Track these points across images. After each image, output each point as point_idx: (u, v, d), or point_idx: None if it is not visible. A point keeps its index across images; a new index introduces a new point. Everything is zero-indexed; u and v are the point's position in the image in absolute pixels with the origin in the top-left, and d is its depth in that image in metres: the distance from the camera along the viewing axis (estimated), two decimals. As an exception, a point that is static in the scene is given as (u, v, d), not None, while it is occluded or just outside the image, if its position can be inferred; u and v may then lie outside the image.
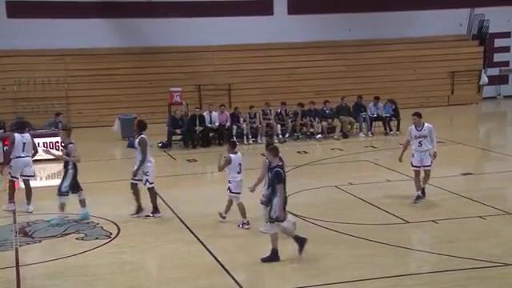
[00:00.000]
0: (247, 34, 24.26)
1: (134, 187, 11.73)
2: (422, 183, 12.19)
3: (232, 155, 11.17)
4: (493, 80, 26.97)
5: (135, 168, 11.59)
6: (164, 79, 23.11)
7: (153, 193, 11.73)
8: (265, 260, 9.33)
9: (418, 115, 12.16)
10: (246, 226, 10.97)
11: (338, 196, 13.02)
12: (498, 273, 8.84)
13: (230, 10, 24.35)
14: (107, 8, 23.68)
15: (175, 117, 19.33)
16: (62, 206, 11.36)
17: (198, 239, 10.44)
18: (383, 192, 13.13)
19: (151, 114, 22.75)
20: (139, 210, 11.81)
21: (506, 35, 27.13)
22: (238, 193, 11.09)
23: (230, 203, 11.29)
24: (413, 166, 12.22)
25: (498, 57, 27.41)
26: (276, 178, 9.29)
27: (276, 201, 9.28)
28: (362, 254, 9.63)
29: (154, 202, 11.75)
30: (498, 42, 27.25)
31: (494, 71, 27.30)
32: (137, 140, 11.59)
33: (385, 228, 10.86)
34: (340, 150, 18.32)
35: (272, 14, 25.21)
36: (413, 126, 12.19)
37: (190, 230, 10.92)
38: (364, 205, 12.34)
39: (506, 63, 27.70)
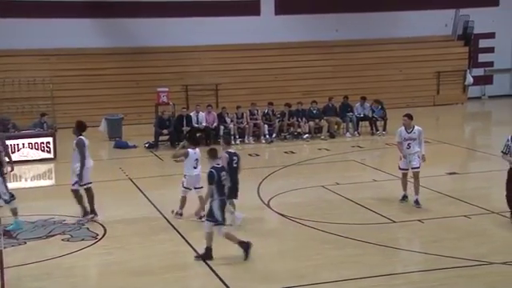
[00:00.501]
0: (234, 34, 24.25)
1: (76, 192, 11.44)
2: (414, 192, 11.94)
3: (190, 150, 11.46)
4: (478, 80, 27.19)
5: (77, 172, 11.28)
6: (151, 79, 23.04)
7: (90, 194, 11.49)
8: (198, 257, 9.45)
9: (409, 117, 11.98)
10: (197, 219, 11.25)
11: (326, 196, 13.08)
12: (483, 271, 8.95)
13: (217, 10, 24.33)
14: (94, 8, 23.57)
15: (162, 117, 19.29)
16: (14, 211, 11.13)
17: (186, 240, 10.43)
18: (370, 192, 13.23)
19: (138, 114, 22.74)
20: (85, 212, 11.55)
21: (490, 36, 27.33)
22: (189, 188, 11.48)
23: (184, 199, 11.56)
24: (400, 168, 12.09)
25: (482, 57, 27.62)
26: (208, 179, 9.41)
27: (212, 202, 9.35)
28: (350, 253, 9.71)
29: (91, 203, 11.50)
30: (483, 43, 27.46)
31: (479, 71, 27.51)
32: (75, 141, 11.35)
33: (372, 228, 10.94)
34: (327, 150, 18.38)
35: (259, 14, 25.22)
36: (402, 128, 11.99)
37: (177, 231, 10.92)
38: (351, 205, 12.41)
39: (491, 63, 27.90)
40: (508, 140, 10.52)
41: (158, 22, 23.90)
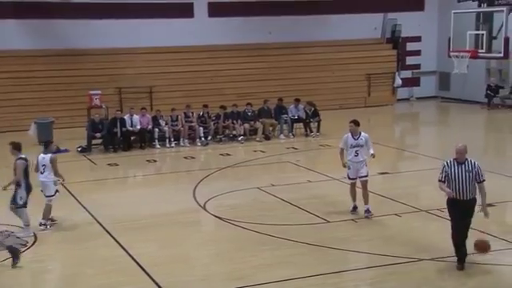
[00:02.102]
0: (168, 36, 24.07)
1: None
2: (364, 201, 11.55)
3: (42, 155, 11.50)
4: (406, 82, 27.99)
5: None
6: (83, 82, 22.52)
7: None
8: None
9: (356, 123, 11.54)
10: (49, 227, 11.27)
11: (261, 197, 13.18)
12: (414, 268, 9.24)
13: (150, 12, 24.04)
14: (22, 8, 22.85)
15: (95, 120, 18.97)
16: None
17: (120, 244, 10.36)
18: (305, 192, 13.40)
19: (70, 117, 22.23)
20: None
21: (417, 39, 28.16)
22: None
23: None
24: (349, 178, 11.65)
25: (410, 60, 28.40)
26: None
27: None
28: (286, 254, 9.83)
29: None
30: (410, 46, 28.24)
31: (407, 74, 28.32)
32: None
33: (307, 228, 11.11)
34: (262, 151, 18.51)
35: (192, 16, 25.12)
36: (349, 135, 11.54)
37: (111, 235, 10.83)
38: (286, 206, 12.55)
39: (418, 66, 28.78)
40: (445, 166, 9.09)
41: (90, 23, 23.44)
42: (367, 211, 11.47)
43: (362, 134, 11.51)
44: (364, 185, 11.50)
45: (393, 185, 12.26)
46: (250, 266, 9.38)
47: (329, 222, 11.41)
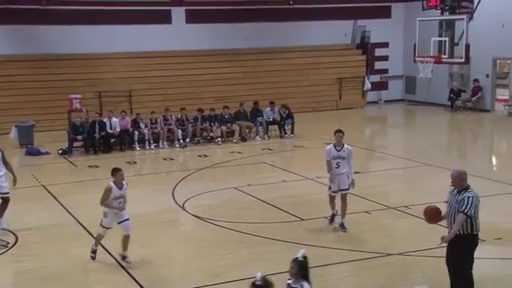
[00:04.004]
0: (147, 41, 24.30)
1: None
2: (341, 215, 11.08)
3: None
4: (375, 86, 28.57)
5: None
6: (64, 86, 22.64)
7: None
8: None
9: (343, 133, 10.92)
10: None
11: (238, 197, 13.35)
12: (383, 262, 9.55)
13: (129, 18, 24.28)
14: (3, 14, 22.95)
15: (75, 123, 19.16)
16: None
17: (101, 244, 10.33)
18: (280, 192, 13.62)
19: (51, 120, 22.35)
20: None
21: (384, 45, 28.81)
22: None
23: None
24: (331, 189, 11.07)
25: (378, 65, 29.03)
26: None
27: None
28: (262, 251, 10.03)
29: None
30: (378, 52, 28.89)
31: (376, 78, 28.89)
32: None
33: (282, 226, 11.30)
34: (239, 153, 18.72)
35: (170, 22, 25.43)
36: (331, 146, 10.92)
37: (92, 236, 10.77)
38: (262, 205, 12.76)
39: (386, 70, 29.42)
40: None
41: (70, 29, 23.57)
42: (342, 226, 10.99)
43: (346, 146, 10.91)
44: (344, 198, 10.96)
45: (363, 183, 12.50)
46: (227, 263, 9.52)
47: (303, 219, 11.63)
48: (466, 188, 7.63)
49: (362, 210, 11.95)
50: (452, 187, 7.79)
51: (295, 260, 6.23)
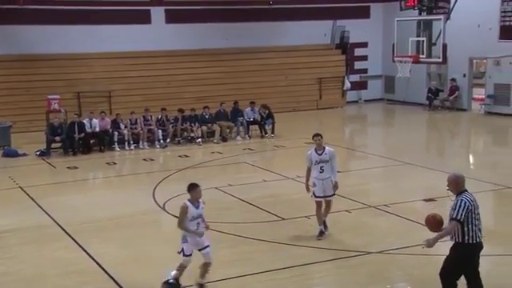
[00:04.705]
0: (126, 41, 24.21)
1: None
2: (323, 214, 10.71)
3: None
4: (354, 86, 28.79)
5: None
6: (42, 86, 22.47)
7: None
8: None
9: (321, 136, 10.52)
10: None
11: (219, 197, 13.34)
12: (363, 261, 9.62)
13: (108, 18, 24.16)
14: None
15: (54, 124, 19.02)
16: None
17: (81, 246, 10.42)
18: (260, 191, 13.68)
19: (28, 121, 22.16)
20: None
21: (363, 45, 29.05)
22: None
23: None
24: (315, 196, 10.58)
25: (358, 64, 29.24)
26: None
27: None
28: (243, 251, 10.08)
29: None
30: (358, 51, 29.09)
31: (355, 78, 29.11)
32: None
33: (263, 225, 11.35)
34: (220, 153, 18.75)
35: (150, 22, 25.35)
36: (312, 151, 10.51)
37: (72, 237, 10.87)
38: (243, 204, 12.81)
39: (365, 70, 29.66)
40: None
41: (48, 28, 23.40)
42: (323, 228, 10.67)
43: (327, 148, 10.50)
44: (328, 204, 10.65)
45: (344, 182, 12.50)
46: None
47: (284, 219, 11.70)
48: (462, 192, 7.22)
49: (342, 209, 12.01)
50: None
51: None
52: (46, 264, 9.76)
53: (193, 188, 8.39)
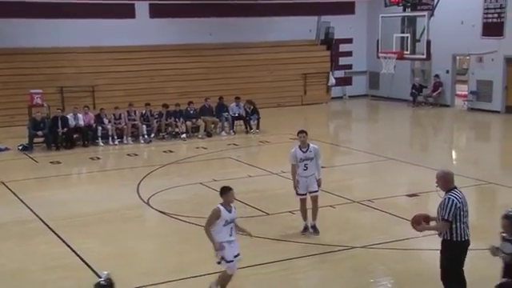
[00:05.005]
0: (110, 36, 24.06)
1: None
2: (312, 217, 10.63)
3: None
4: (339, 81, 28.89)
5: None
6: (24, 81, 22.24)
7: None
8: None
9: (306, 133, 10.39)
10: None
11: (203, 192, 13.33)
12: (347, 255, 9.72)
13: (92, 12, 23.94)
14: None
15: (36, 119, 18.88)
16: None
17: (63, 241, 10.39)
18: (245, 187, 13.57)
19: (10, 116, 21.97)
20: None
21: (348, 41, 29.10)
22: None
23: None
24: (298, 194, 10.54)
25: (342, 60, 29.29)
26: None
27: None
28: None
29: None
30: (343, 47, 29.13)
31: (340, 73, 29.18)
32: None
33: (248, 220, 11.15)
34: (204, 148, 18.74)
35: (134, 17, 25.20)
36: (296, 148, 10.40)
37: (55, 232, 10.84)
38: None
39: (350, 66, 29.74)
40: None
41: (29, 22, 23.16)
42: (314, 228, 10.64)
43: (311, 145, 10.40)
44: (314, 199, 10.54)
45: (328, 178, 12.58)
46: (193, 258, 9.50)
47: (268, 214, 11.75)
48: (451, 189, 7.16)
49: (326, 204, 12.01)
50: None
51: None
52: (28, 259, 9.72)
53: (225, 191, 8.07)
